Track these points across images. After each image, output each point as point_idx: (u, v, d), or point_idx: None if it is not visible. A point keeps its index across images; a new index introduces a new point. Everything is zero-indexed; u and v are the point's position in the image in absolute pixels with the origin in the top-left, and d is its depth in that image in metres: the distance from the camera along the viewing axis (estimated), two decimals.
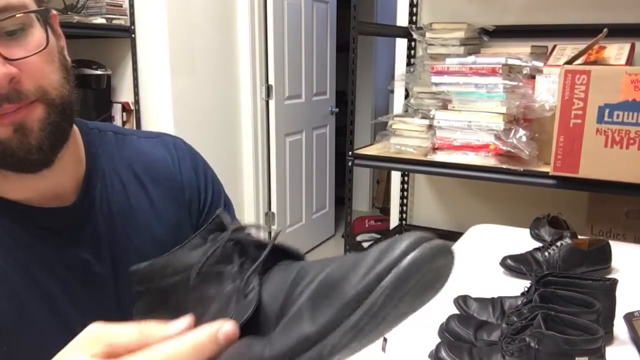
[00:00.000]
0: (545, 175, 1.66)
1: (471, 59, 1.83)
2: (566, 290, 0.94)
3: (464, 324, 0.99)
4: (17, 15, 0.53)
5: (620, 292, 1.00)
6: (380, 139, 2.06)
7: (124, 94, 2.67)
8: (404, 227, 2.56)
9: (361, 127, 3.75)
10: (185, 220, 0.73)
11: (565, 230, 1.42)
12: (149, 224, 0.69)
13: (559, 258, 1.26)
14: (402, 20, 2.36)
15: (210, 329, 0.36)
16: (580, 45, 1.67)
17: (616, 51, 1.80)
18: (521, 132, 1.74)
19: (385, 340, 0.98)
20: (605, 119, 1.51)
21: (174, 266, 0.43)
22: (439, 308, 1.09)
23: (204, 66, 2.74)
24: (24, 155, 0.55)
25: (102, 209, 0.66)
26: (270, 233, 2.76)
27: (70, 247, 0.63)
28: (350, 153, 2.00)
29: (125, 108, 2.65)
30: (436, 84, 1.86)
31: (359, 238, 3.55)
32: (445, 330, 1.00)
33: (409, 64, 2.37)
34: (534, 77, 1.81)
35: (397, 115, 2.04)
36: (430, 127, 1.89)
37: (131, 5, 2.50)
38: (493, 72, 1.75)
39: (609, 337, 0.98)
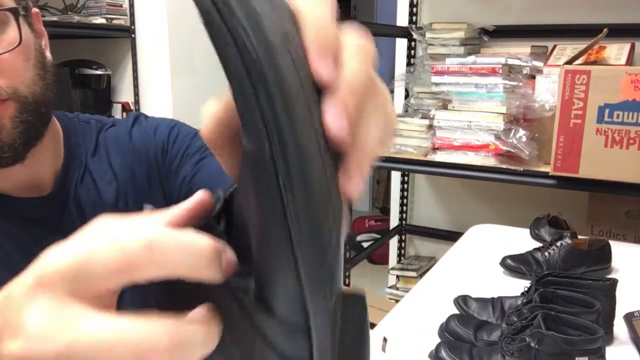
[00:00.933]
0: (545, 175, 1.66)
1: (471, 59, 1.83)
2: (566, 290, 0.94)
3: (464, 324, 0.99)
4: (8, 17, 0.54)
5: (620, 292, 1.00)
6: None
7: (124, 94, 2.67)
8: (404, 227, 2.56)
9: None
10: (135, 192, 0.70)
11: (565, 230, 1.42)
12: (114, 208, 0.68)
13: (559, 258, 1.26)
14: (402, 20, 2.36)
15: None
16: (580, 45, 1.67)
17: (616, 51, 1.80)
18: (521, 132, 1.74)
19: (385, 340, 0.98)
20: (605, 119, 1.51)
21: None
22: (439, 308, 1.10)
23: (204, 66, 2.74)
24: None
25: (75, 199, 0.66)
26: None
27: (51, 236, 0.62)
28: None
29: (125, 108, 2.65)
30: (436, 84, 1.86)
31: (359, 238, 3.55)
32: (445, 330, 1.00)
33: (409, 64, 2.37)
34: (534, 77, 1.81)
35: (397, 115, 2.04)
36: (430, 127, 1.89)
37: (131, 5, 2.50)
38: (493, 72, 1.75)
39: (609, 337, 0.98)
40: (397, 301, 1.47)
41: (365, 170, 0.24)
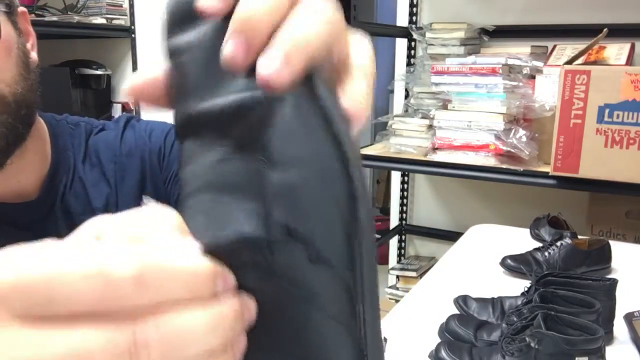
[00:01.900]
0: (545, 175, 1.66)
1: (471, 59, 1.83)
2: (566, 290, 0.94)
3: (464, 324, 0.99)
4: None
5: (620, 292, 1.00)
6: (380, 139, 2.06)
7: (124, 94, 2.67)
8: (404, 227, 2.56)
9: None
10: (123, 197, 0.69)
11: (565, 230, 1.42)
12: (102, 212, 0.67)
13: (559, 258, 1.26)
14: (402, 20, 2.36)
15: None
16: (580, 45, 1.67)
17: (616, 51, 1.80)
18: (521, 132, 1.74)
19: (385, 340, 0.98)
20: (605, 119, 1.51)
21: None
22: (439, 308, 1.10)
23: None
24: None
25: (62, 204, 0.64)
26: None
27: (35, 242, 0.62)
28: None
29: (125, 108, 2.65)
30: (436, 84, 1.86)
31: None
32: (445, 330, 1.00)
33: (409, 64, 2.37)
34: (534, 77, 1.81)
35: (397, 115, 2.04)
36: (430, 127, 1.89)
37: (131, 5, 2.50)
38: (493, 72, 1.75)
39: (609, 337, 0.97)
40: (397, 301, 1.47)
41: (295, 61, 0.22)
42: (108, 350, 0.18)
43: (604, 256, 1.29)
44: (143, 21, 2.53)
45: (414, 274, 2.34)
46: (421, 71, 2.09)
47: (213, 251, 0.22)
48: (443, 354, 0.90)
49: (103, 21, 2.40)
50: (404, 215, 2.55)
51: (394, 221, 2.60)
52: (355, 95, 0.25)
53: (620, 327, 1.00)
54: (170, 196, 0.70)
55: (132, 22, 2.52)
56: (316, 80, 0.24)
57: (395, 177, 2.56)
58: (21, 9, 0.60)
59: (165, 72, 0.24)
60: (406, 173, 2.50)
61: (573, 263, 1.25)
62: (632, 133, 1.49)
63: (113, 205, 0.67)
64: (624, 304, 1.02)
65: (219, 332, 0.21)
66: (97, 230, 0.22)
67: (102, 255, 0.19)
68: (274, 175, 0.23)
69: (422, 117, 1.93)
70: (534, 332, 0.82)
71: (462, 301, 1.10)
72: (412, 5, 2.32)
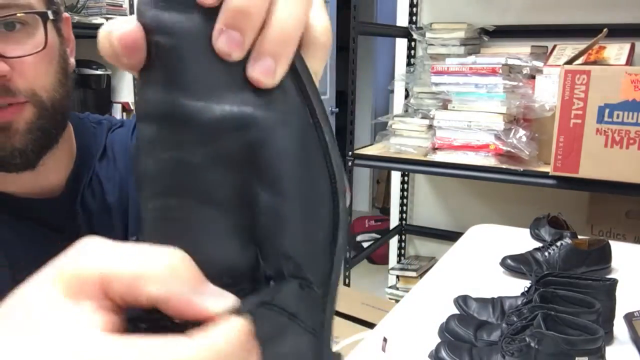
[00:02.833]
0: (545, 175, 1.66)
1: (471, 59, 1.83)
2: (566, 290, 0.94)
3: (464, 324, 0.99)
4: (18, 15, 0.53)
5: (620, 292, 1.00)
6: (380, 139, 2.06)
7: (124, 94, 2.67)
8: (404, 227, 2.56)
9: (361, 127, 3.75)
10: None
11: (565, 230, 1.42)
12: (124, 222, 0.68)
13: (559, 258, 1.26)
14: (402, 20, 2.36)
15: None
16: (580, 45, 1.67)
17: (616, 51, 1.80)
18: (521, 132, 1.74)
19: (385, 340, 0.98)
20: (605, 119, 1.51)
21: None
22: (439, 308, 1.10)
23: None
24: (6, 157, 0.54)
25: (83, 202, 0.65)
26: None
27: (55, 239, 0.63)
28: (350, 153, 2.00)
29: (125, 108, 2.65)
30: (436, 84, 1.86)
31: (359, 238, 3.55)
32: (445, 330, 1.00)
33: (409, 64, 2.37)
34: (534, 77, 1.81)
35: (397, 115, 2.04)
36: (430, 127, 1.89)
37: (131, 5, 2.50)
38: (493, 72, 1.75)
39: (609, 337, 0.97)
40: (397, 301, 1.47)
41: (280, 52, 0.23)
42: None
43: (604, 256, 1.29)
44: None
45: (414, 274, 2.34)
46: (421, 71, 2.09)
47: (204, 272, 0.22)
48: (443, 354, 0.90)
49: (103, 21, 2.40)
50: (404, 215, 2.55)
51: (394, 221, 2.60)
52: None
53: (620, 327, 1.00)
54: None
55: None
56: (300, 68, 0.24)
57: (395, 177, 2.56)
58: (65, 14, 0.61)
59: (141, 38, 0.23)
60: (406, 173, 2.50)
61: (573, 263, 1.25)
62: (632, 133, 1.49)
63: (125, 199, 0.68)
64: (624, 304, 1.02)
65: None
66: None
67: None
68: (264, 195, 0.23)
69: (422, 117, 1.93)
70: (534, 332, 0.82)
71: (462, 301, 1.10)
72: (412, 5, 2.32)
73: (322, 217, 0.25)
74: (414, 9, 2.32)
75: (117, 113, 2.63)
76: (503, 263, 1.29)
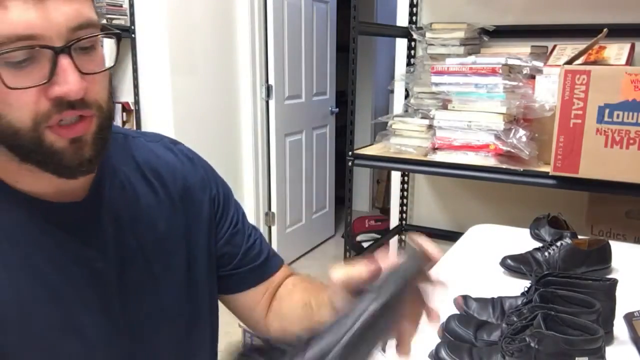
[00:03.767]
0: (545, 175, 1.66)
1: (471, 59, 1.83)
2: (566, 290, 0.94)
3: (464, 324, 0.99)
4: (99, 37, 0.58)
5: (620, 292, 1.00)
6: (380, 139, 2.06)
7: (124, 94, 2.67)
8: (403, 227, 2.56)
9: (361, 127, 3.74)
10: (195, 225, 0.75)
11: (565, 230, 1.42)
12: (156, 226, 0.70)
13: (559, 258, 1.26)
14: (402, 20, 2.36)
15: None
16: (580, 45, 1.67)
17: (616, 51, 1.80)
18: (521, 132, 1.73)
19: None
20: (605, 119, 1.51)
21: None
22: (439, 308, 1.09)
23: (204, 66, 2.74)
24: (76, 166, 0.58)
25: (110, 208, 0.67)
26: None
27: (76, 242, 0.64)
28: (350, 153, 2.00)
29: (125, 108, 2.65)
30: (436, 84, 1.86)
31: (359, 238, 3.55)
32: (445, 330, 1.00)
33: (409, 64, 2.37)
34: (534, 77, 1.81)
35: (397, 115, 2.04)
36: (430, 127, 1.89)
37: (131, 5, 2.50)
38: (493, 72, 1.75)
39: (609, 337, 0.97)
40: None
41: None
42: None
43: (604, 256, 1.29)
44: (143, 21, 2.53)
45: None
46: (421, 71, 2.09)
47: None
48: (443, 354, 0.90)
49: (103, 21, 2.40)
50: (404, 215, 2.55)
51: (394, 221, 2.60)
52: None
53: (620, 327, 1.00)
54: (217, 235, 0.79)
55: (132, 22, 2.52)
56: None
57: (395, 177, 2.56)
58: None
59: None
60: (406, 173, 2.50)
61: (573, 263, 1.25)
62: (632, 133, 1.49)
63: (162, 222, 0.72)
64: (624, 304, 1.02)
65: None
66: None
67: None
68: None
69: (422, 117, 1.93)
70: (534, 332, 0.82)
71: (462, 301, 1.10)
72: (412, 5, 2.32)
73: None
74: (414, 9, 2.32)
75: (117, 113, 2.63)
76: (503, 263, 1.29)
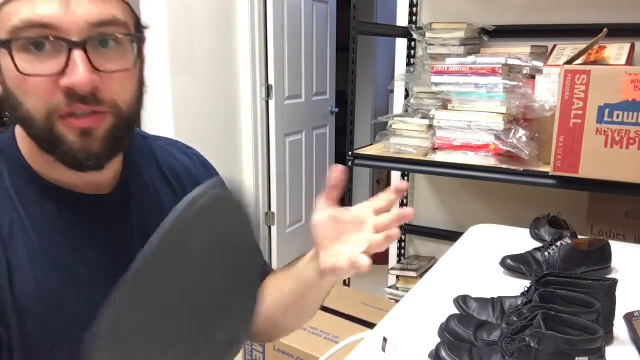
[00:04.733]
0: (545, 175, 1.66)
1: (471, 59, 1.83)
2: (566, 290, 0.94)
3: (464, 324, 0.99)
4: (117, 35, 0.59)
5: (620, 292, 1.00)
6: (380, 139, 2.06)
7: None
8: (403, 227, 2.56)
9: (361, 127, 3.74)
10: None
11: (565, 230, 1.42)
12: None
13: (559, 258, 1.26)
14: (402, 20, 2.36)
15: None
16: (580, 45, 1.67)
17: (616, 51, 1.80)
18: (521, 132, 1.73)
19: (385, 340, 0.98)
20: (605, 119, 1.51)
21: None
22: (439, 308, 1.10)
23: (204, 66, 2.74)
24: (83, 159, 0.60)
25: (136, 203, 0.71)
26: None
27: (102, 234, 0.67)
28: (350, 153, 2.00)
29: None
30: (436, 84, 1.86)
31: None
32: (445, 330, 1.00)
33: (409, 64, 2.37)
34: (534, 77, 1.81)
35: (397, 115, 2.04)
36: (430, 127, 1.89)
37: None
38: (493, 72, 1.75)
39: (609, 337, 0.97)
40: (397, 301, 1.47)
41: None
42: None
43: (604, 256, 1.29)
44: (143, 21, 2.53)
45: (414, 274, 2.34)
46: (421, 71, 2.09)
47: None
48: (443, 354, 0.90)
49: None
50: None
51: None
52: None
53: (620, 327, 1.00)
54: None
55: None
56: None
57: (395, 177, 2.56)
58: (145, 36, 0.68)
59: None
60: (406, 173, 2.50)
61: (573, 263, 1.25)
62: (632, 133, 1.49)
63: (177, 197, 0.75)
64: (624, 304, 1.02)
65: None
66: None
67: None
68: None
69: (422, 117, 1.93)
70: (534, 332, 0.82)
71: (462, 301, 1.10)
72: (412, 5, 2.32)
73: None
74: (414, 9, 2.32)
75: None
76: (503, 263, 1.29)
